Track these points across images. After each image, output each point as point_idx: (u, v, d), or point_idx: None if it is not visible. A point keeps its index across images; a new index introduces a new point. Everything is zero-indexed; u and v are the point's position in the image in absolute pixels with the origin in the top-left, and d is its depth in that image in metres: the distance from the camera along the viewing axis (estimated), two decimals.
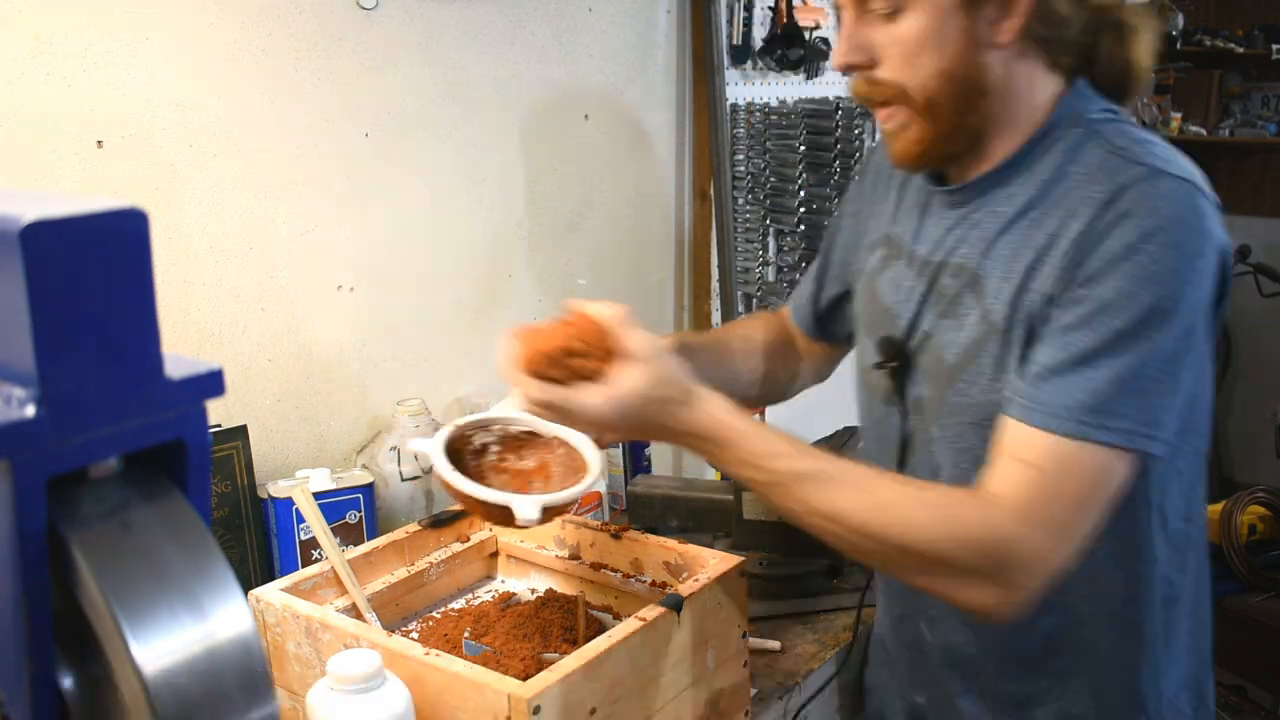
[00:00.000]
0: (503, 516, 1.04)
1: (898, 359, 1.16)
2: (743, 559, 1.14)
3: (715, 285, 2.27)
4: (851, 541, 1.01)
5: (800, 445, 1.04)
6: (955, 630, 1.18)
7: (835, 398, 1.96)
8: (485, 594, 1.29)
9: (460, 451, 1.12)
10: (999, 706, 1.19)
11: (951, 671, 1.21)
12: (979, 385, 1.08)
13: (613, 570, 1.23)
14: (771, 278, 2.36)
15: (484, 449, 1.13)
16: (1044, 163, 1.08)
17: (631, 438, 1.08)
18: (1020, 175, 1.09)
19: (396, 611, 1.21)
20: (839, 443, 1.55)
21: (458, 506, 1.32)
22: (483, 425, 1.15)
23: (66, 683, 0.49)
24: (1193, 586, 1.16)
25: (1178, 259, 0.98)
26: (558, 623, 1.15)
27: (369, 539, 1.43)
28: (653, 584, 1.20)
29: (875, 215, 1.28)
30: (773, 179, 2.27)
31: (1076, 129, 1.08)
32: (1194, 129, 4.28)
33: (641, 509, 1.65)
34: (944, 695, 1.23)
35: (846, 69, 1.08)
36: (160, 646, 0.44)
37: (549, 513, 1.05)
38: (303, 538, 1.45)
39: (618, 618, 1.20)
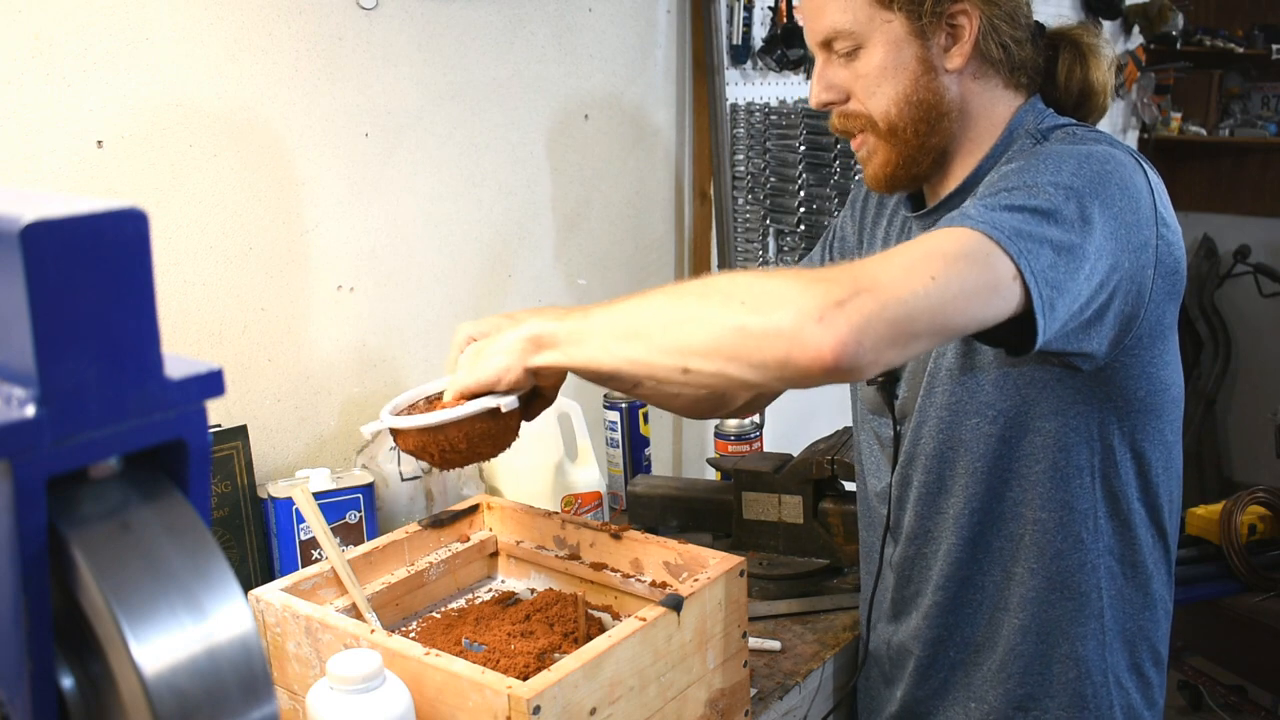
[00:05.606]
0: (482, 427, 1.05)
1: (886, 375, 1.24)
2: (743, 559, 1.14)
3: None
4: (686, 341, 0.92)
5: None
6: (919, 625, 1.25)
7: (835, 399, 1.95)
8: (485, 594, 1.29)
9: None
10: (958, 694, 1.24)
11: (915, 666, 1.27)
12: (962, 386, 1.16)
13: (613, 570, 1.23)
14: None
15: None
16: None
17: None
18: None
19: (396, 611, 1.21)
20: (839, 441, 1.56)
21: (460, 506, 1.33)
22: (414, 405, 1.18)
23: (66, 683, 0.49)
24: (1151, 569, 1.19)
25: (1093, 170, 1.00)
26: (558, 623, 1.15)
27: (369, 539, 1.43)
28: (653, 584, 1.20)
29: (873, 238, 1.35)
30: (773, 179, 2.27)
31: (1029, 139, 1.14)
32: (1194, 129, 4.28)
33: (641, 509, 1.65)
34: (917, 695, 1.28)
35: (822, 106, 1.18)
36: (160, 646, 0.44)
37: (514, 413, 1.06)
38: (303, 538, 1.44)
39: (618, 618, 1.20)
